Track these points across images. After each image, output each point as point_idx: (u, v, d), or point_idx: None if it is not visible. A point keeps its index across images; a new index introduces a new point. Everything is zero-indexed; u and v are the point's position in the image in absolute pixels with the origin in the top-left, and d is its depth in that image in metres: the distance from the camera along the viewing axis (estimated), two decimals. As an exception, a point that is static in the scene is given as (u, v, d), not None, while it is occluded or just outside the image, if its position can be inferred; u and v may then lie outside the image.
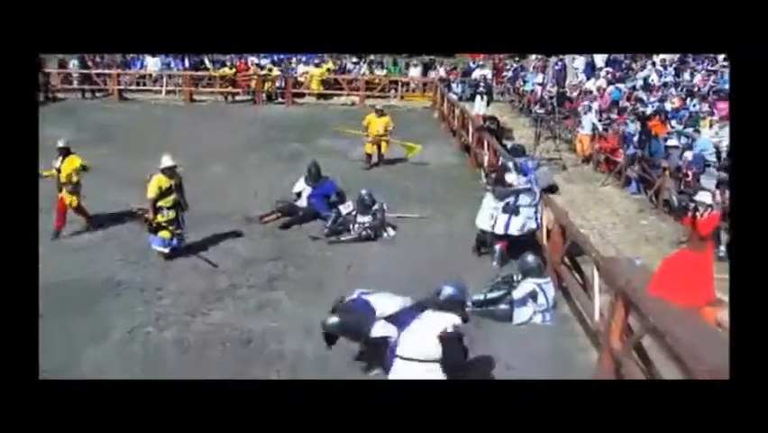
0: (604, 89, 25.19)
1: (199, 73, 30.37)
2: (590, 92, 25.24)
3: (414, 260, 11.52)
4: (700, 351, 8.20)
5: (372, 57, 34.70)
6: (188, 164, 11.57)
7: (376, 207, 12.81)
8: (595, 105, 21.45)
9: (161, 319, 9.25)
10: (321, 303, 9.68)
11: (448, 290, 6.91)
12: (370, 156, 18.29)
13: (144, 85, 30.58)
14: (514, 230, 11.21)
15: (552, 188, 11.80)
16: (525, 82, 30.27)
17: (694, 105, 20.57)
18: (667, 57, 28.74)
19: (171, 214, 11.12)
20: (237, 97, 29.41)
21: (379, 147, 18.33)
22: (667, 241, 13.27)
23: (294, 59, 33.42)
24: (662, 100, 21.72)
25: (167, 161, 11.10)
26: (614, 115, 20.96)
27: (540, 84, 27.45)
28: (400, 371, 6.56)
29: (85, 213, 12.51)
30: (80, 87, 29.14)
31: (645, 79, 26.01)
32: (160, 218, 11.03)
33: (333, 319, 7.73)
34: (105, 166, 16.44)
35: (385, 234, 12.81)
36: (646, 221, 14.73)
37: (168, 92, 29.66)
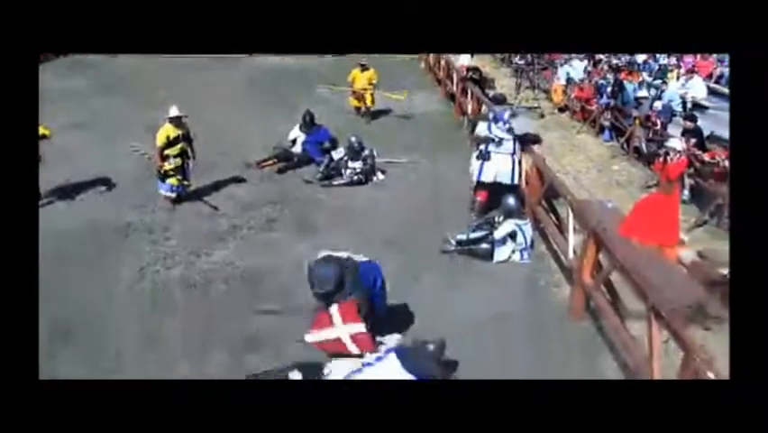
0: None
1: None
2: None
3: (402, 202, 11.66)
4: (664, 287, 8.44)
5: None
6: (190, 113, 11.45)
7: (366, 152, 12.87)
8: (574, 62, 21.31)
9: (168, 259, 9.35)
10: (315, 242, 9.84)
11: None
12: (358, 109, 17.86)
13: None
14: (488, 176, 10.91)
15: (536, 139, 11.63)
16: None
17: (664, 59, 20.50)
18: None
19: (178, 161, 11.12)
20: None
21: (364, 100, 17.75)
22: (636, 185, 13.40)
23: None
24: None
25: (173, 111, 11.06)
26: (589, 68, 20.90)
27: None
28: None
29: None
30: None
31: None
32: (167, 166, 11.04)
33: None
34: (110, 114, 16.42)
35: (375, 179, 12.89)
36: (617, 166, 14.83)
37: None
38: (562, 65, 20.68)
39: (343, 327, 6.22)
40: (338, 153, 13.10)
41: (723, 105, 16.42)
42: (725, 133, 12.81)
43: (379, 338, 6.53)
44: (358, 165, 12.72)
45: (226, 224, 10.62)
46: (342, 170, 12.78)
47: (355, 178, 12.65)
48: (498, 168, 10.92)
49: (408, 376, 5.53)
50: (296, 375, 5.90)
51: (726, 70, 18.78)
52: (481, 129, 11.17)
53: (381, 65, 18.57)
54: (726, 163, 11.31)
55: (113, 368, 6.72)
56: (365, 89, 17.62)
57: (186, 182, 11.37)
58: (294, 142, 13.74)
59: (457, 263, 9.46)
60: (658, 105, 15.73)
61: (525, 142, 11.32)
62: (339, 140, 13.60)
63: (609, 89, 17.40)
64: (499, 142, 10.98)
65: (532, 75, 20.96)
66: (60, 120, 14.23)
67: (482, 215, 10.88)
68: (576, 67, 20.63)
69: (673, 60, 20.34)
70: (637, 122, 15.25)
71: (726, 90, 17.79)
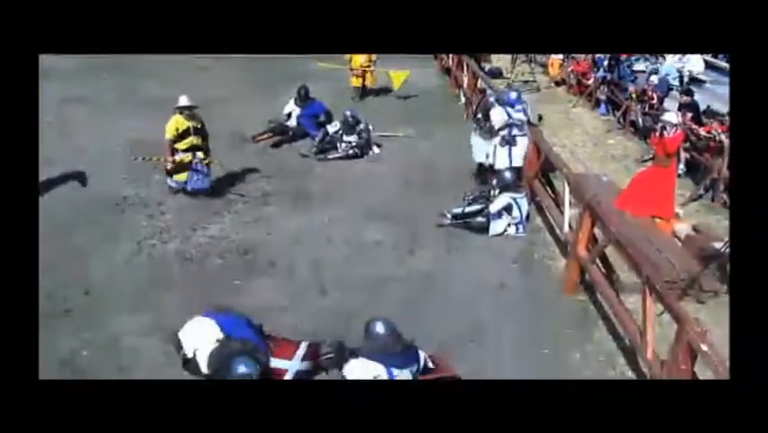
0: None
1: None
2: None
3: (397, 176, 11.66)
4: (658, 260, 8.49)
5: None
6: (186, 89, 11.29)
7: (361, 126, 12.84)
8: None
9: (165, 233, 9.33)
10: (310, 215, 9.88)
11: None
12: (358, 88, 17.18)
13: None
14: (518, 160, 10.77)
15: (540, 118, 11.64)
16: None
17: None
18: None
19: (187, 157, 10.28)
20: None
21: (363, 78, 17.20)
22: (632, 159, 13.42)
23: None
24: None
25: (183, 101, 10.34)
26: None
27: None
28: None
29: None
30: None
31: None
32: (176, 160, 10.26)
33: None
34: (108, 91, 16.36)
35: (370, 152, 12.87)
36: (613, 140, 14.83)
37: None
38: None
39: (298, 364, 5.94)
40: (333, 127, 13.08)
41: (720, 80, 16.40)
42: (721, 107, 12.80)
43: None
44: (353, 139, 12.69)
45: (222, 198, 10.60)
46: (338, 144, 12.75)
47: (351, 151, 12.63)
48: (525, 150, 10.82)
49: None
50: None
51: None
52: (499, 115, 10.97)
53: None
54: (723, 137, 11.31)
55: (111, 339, 6.76)
56: (366, 67, 17.15)
57: (197, 174, 10.46)
58: (289, 115, 13.70)
59: (453, 236, 9.48)
60: (654, 79, 15.67)
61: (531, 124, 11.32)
62: (334, 114, 13.56)
63: (606, 63, 17.35)
64: (521, 126, 10.93)
65: (528, 48, 20.80)
66: (57, 95, 14.18)
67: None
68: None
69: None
70: (634, 96, 15.21)
71: (723, 64, 17.71)
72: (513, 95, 11.48)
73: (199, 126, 10.43)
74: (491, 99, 11.79)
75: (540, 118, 11.68)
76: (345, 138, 12.74)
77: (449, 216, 9.84)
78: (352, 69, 17.24)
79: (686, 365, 5.30)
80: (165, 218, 9.83)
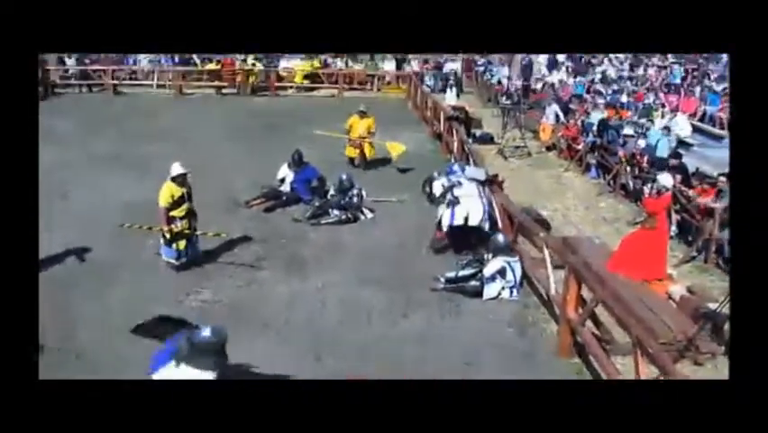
0: (565, 82, 25.38)
1: (187, 68, 30.11)
2: (553, 84, 25.44)
3: (390, 240, 11.69)
4: (652, 321, 8.43)
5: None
6: (180, 152, 11.37)
7: (354, 191, 12.91)
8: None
9: (157, 297, 9.18)
10: (304, 279, 9.83)
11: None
12: (352, 159, 16.76)
13: (137, 80, 30.28)
14: (459, 219, 10.95)
15: (493, 180, 12.03)
16: (492, 75, 30.41)
17: (653, 102, 20.79)
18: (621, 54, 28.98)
19: (185, 224, 10.14)
20: (224, 90, 29.09)
21: (362, 149, 16.71)
22: (623, 221, 13.48)
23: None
24: (617, 92, 21.97)
25: (177, 169, 10.10)
26: (575, 106, 21.15)
27: (507, 77, 27.62)
28: None
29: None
30: (78, 82, 28.88)
31: (603, 73, 26.20)
32: (174, 229, 10.04)
33: None
34: (104, 154, 16.47)
35: (363, 217, 12.89)
36: (605, 203, 14.96)
37: (158, 86, 29.21)
38: (549, 105, 20.91)
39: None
40: (326, 192, 13.19)
41: (707, 143, 16.61)
42: (710, 169, 12.94)
43: None
44: (346, 203, 12.73)
45: (215, 262, 10.56)
46: (330, 209, 12.78)
47: (343, 216, 12.64)
48: (469, 209, 11.02)
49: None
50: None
51: (710, 109, 19.02)
52: (440, 183, 11.84)
53: (369, 104, 18.56)
54: (713, 204, 11.42)
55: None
56: (364, 138, 16.68)
57: (194, 244, 10.43)
58: (282, 180, 13.75)
59: (447, 300, 9.44)
60: (642, 143, 15.90)
61: (490, 184, 11.84)
62: (327, 178, 13.63)
63: (595, 128, 17.62)
64: (460, 184, 11.43)
65: (518, 114, 21.13)
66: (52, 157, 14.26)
67: (439, 252, 11.12)
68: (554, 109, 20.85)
69: (658, 100, 20.62)
70: (623, 160, 15.38)
71: (710, 128, 18.01)
72: (455, 166, 12.45)
73: (191, 191, 10.36)
74: (434, 174, 12.92)
75: (495, 181, 11.97)
76: (338, 203, 12.77)
77: (442, 280, 9.83)
78: (350, 140, 16.80)
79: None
80: (158, 282, 9.78)
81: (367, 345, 8.11)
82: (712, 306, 8.31)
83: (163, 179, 10.28)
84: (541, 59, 30.58)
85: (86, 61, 29.51)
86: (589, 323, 7.93)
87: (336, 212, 12.70)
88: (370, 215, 13.01)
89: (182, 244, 10.22)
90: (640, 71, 25.43)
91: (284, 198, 13.52)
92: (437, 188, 11.66)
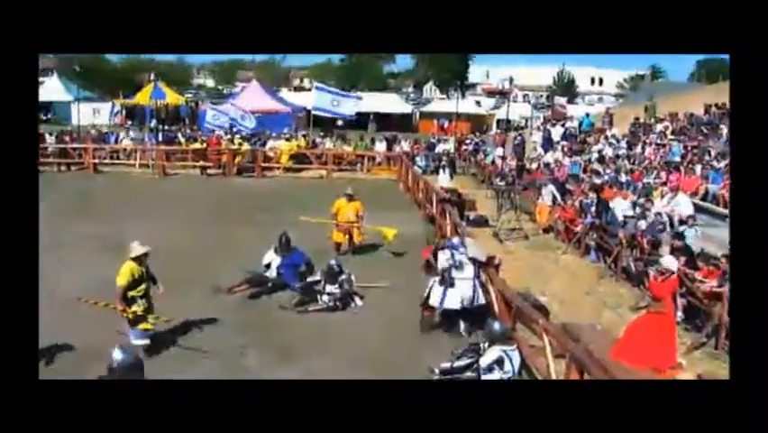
0: (561, 162, 25.60)
1: (171, 147, 30.35)
2: (548, 164, 25.67)
3: (382, 328, 11.46)
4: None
5: (339, 132, 35.02)
6: (160, 234, 11.23)
7: (343, 276, 12.72)
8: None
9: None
10: (291, 368, 9.56)
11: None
12: (339, 245, 16.45)
13: (118, 158, 30.47)
14: (453, 303, 11.12)
15: (491, 262, 11.94)
16: (486, 155, 30.76)
17: (654, 180, 20.92)
18: (617, 132, 29.44)
19: (145, 303, 10.14)
20: (209, 171, 29.27)
21: (350, 235, 16.55)
22: (626, 306, 13.32)
23: (263, 135, 33.61)
24: (615, 171, 22.11)
25: (137, 249, 10.18)
26: (572, 187, 21.25)
27: (501, 157, 27.94)
28: None
29: None
30: (57, 160, 29.03)
31: (600, 152, 26.44)
32: (135, 309, 9.99)
33: None
34: (82, 236, 16.33)
35: (353, 304, 12.68)
36: (605, 288, 14.80)
37: (141, 165, 29.41)
38: (545, 185, 20.97)
39: None
40: (314, 278, 12.95)
41: (712, 222, 16.61)
42: (715, 250, 12.86)
43: None
44: (335, 290, 12.53)
45: (197, 349, 10.32)
46: (319, 296, 12.58)
47: (332, 303, 12.44)
48: (463, 293, 11.19)
49: None
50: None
51: (712, 187, 19.10)
52: (444, 257, 11.57)
53: (359, 185, 18.57)
54: (718, 288, 11.31)
55: None
56: (352, 223, 16.51)
57: (156, 319, 10.40)
58: (268, 266, 13.56)
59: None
60: (642, 224, 15.88)
61: (486, 266, 11.75)
62: (315, 263, 13.46)
63: (593, 208, 17.62)
64: (460, 267, 11.37)
65: (513, 196, 21.22)
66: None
67: (430, 330, 11.28)
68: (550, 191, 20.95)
69: (657, 179, 20.75)
70: (624, 241, 15.32)
71: (713, 207, 18.04)
72: (455, 240, 12.27)
73: (148, 269, 10.36)
74: (439, 243, 12.89)
75: (492, 263, 11.90)
76: (327, 289, 12.58)
77: (437, 371, 9.56)
78: (337, 225, 16.55)
79: None
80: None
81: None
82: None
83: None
84: (535, 138, 31.01)
85: (66, 139, 29.78)
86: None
87: (325, 298, 12.51)
88: (359, 302, 12.80)
89: (147, 324, 10.14)
90: (638, 150, 25.68)
91: (270, 284, 13.31)
92: (441, 259, 11.56)
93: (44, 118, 46.33)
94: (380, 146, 33.08)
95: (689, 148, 23.70)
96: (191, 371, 9.49)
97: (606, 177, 21.41)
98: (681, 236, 13.60)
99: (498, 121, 57.20)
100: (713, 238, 14.56)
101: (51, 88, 50.72)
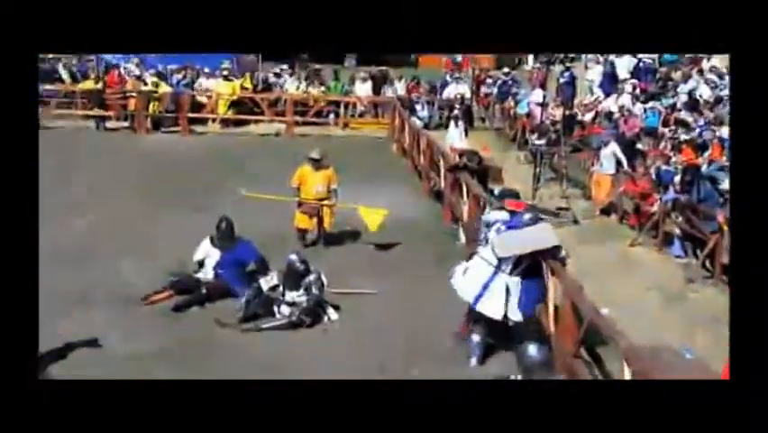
0: (630, 110, 25.28)
1: (53, 87, 29.94)
2: (611, 114, 25.47)
3: (366, 355, 11.46)
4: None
5: (306, 68, 34.48)
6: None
7: (310, 278, 12.76)
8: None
9: None
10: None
11: None
12: (304, 231, 16.68)
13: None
14: (493, 311, 11.06)
15: (555, 254, 11.40)
16: (517, 102, 30.19)
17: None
18: (719, 63, 28.25)
19: None
20: (109, 123, 29.01)
21: (319, 218, 16.58)
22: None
23: (191, 71, 32.72)
24: (714, 123, 21.73)
25: None
26: (646, 147, 21.15)
27: (539, 104, 27.57)
28: None
29: None
30: None
31: (690, 94, 25.82)
32: None
33: None
34: None
35: (324, 319, 12.78)
36: (697, 294, 14.86)
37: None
38: (605, 145, 20.56)
39: None
40: (269, 281, 12.98)
41: None
42: None
43: None
44: (299, 297, 12.58)
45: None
46: (276, 307, 12.67)
47: (294, 318, 12.48)
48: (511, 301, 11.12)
49: None
50: None
51: None
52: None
53: (332, 147, 18.41)
54: None
55: None
56: (321, 200, 16.54)
57: None
58: (201, 264, 13.58)
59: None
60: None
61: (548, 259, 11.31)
62: (270, 260, 13.47)
63: (678, 179, 17.35)
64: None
65: (557, 160, 21.15)
66: None
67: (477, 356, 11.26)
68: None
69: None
70: (725, 227, 15.20)
71: None
72: (526, 216, 11.75)
73: None
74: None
75: (557, 256, 11.60)
76: (287, 296, 12.66)
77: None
78: (300, 203, 16.48)
79: None
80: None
81: None
82: None
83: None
84: (591, 75, 30.61)
85: None
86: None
87: (285, 310, 12.61)
88: (333, 315, 12.88)
89: None
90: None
91: (203, 289, 13.39)
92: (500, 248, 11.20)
93: None
94: (363, 88, 32.55)
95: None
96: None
97: (698, 132, 21.20)
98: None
99: (537, 50, 56.60)
100: None
101: None
